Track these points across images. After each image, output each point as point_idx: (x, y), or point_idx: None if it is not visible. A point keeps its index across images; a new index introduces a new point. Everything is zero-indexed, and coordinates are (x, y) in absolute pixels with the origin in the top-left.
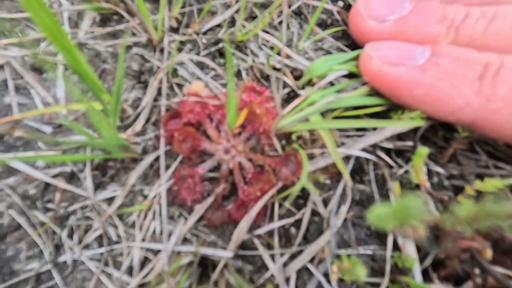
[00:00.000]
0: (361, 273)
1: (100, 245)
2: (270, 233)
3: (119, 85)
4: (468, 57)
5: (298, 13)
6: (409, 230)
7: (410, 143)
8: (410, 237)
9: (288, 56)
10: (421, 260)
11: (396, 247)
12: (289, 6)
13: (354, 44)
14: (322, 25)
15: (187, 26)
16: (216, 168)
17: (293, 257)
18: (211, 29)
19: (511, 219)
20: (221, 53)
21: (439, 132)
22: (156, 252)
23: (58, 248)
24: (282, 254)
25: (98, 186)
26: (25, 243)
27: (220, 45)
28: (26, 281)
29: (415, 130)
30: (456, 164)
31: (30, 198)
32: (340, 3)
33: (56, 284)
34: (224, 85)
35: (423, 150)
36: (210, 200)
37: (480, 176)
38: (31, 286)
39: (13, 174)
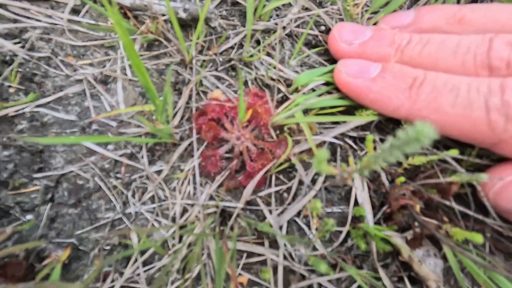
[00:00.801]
0: (318, 205)
1: (153, 202)
2: (269, 196)
3: (167, 93)
4: (404, 73)
5: (290, 35)
6: (339, 172)
7: (368, 133)
8: (342, 181)
9: (281, 70)
10: (374, 215)
11: (356, 205)
12: (283, 29)
13: (332, 59)
14: (309, 44)
15: (208, 49)
16: (231, 150)
17: (284, 212)
18: (225, 50)
19: (385, 161)
20: (233, 68)
21: (390, 125)
22: (191, 206)
23: (125, 204)
24: (276, 209)
25: (150, 162)
26: (103, 200)
27: (232, 62)
28: (105, 225)
29: (372, 122)
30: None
31: (106, 170)
32: (322, 28)
33: (125, 226)
34: (235, 92)
35: (370, 137)
36: (226, 172)
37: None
38: (108, 228)
39: (93, 154)
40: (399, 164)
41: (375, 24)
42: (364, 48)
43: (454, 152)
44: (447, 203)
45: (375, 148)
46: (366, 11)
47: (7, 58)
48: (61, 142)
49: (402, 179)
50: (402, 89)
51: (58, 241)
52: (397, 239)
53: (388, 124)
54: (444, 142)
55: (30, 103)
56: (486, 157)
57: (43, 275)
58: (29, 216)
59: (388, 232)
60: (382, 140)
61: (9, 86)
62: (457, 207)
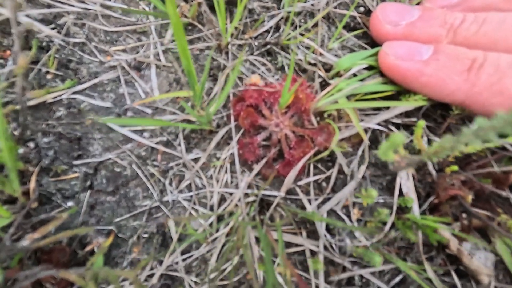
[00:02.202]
0: (373, 194)
1: (190, 190)
2: (307, 185)
3: (205, 77)
4: (460, 54)
5: (326, 17)
6: (400, 160)
7: (414, 119)
8: (402, 166)
9: (321, 54)
10: (420, 205)
11: (401, 195)
12: (319, 11)
13: (372, 42)
14: (347, 27)
15: (243, 33)
16: (268, 138)
17: (324, 202)
18: (260, 34)
19: (455, 149)
20: (268, 53)
21: (438, 111)
22: (229, 195)
23: (162, 192)
24: (316, 199)
25: (186, 150)
26: (141, 188)
27: (268, 46)
28: (143, 213)
29: (419, 109)
30: (449, 134)
31: (142, 157)
32: (361, 9)
33: (163, 214)
34: (272, 76)
35: (421, 122)
36: (264, 160)
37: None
38: (146, 215)
39: (130, 142)
40: None
41: (418, 3)
42: (412, 29)
43: None
44: (503, 193)
45: (422, 136)
46: None
47: (44, 44)
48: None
49: (455, 167)
50: (459, 71)
51: (98, 228)
52: (445, 232)
53: (435, 110)
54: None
55: (67, 89)
56: None
57: (92, 261)
58: (70, 203)
59: (436, 226)
60: (428, 128)
61: (47, 72)
62: None
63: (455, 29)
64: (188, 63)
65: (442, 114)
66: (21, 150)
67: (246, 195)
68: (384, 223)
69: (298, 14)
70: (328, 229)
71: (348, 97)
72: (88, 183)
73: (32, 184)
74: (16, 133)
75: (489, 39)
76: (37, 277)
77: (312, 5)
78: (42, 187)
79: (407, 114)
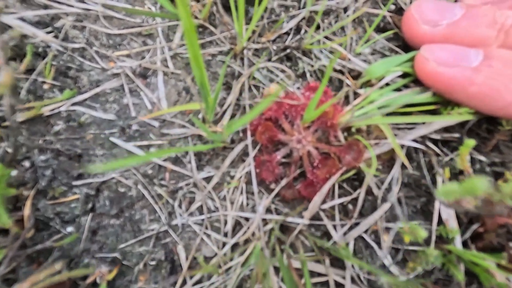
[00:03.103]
0: (422, 234)
1: (201, 213)
2: (332, 209)
3: (218, 90)
4: None
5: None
6: (466, 203)
7: (456, 135)
8: (466, 208)
9: (348, 59)
10: (462, 233)
11: (439, 222)
12: (345, 11)
13: (404, 45)
14: (375, 28)
15: (260, 35)
16: (288, 155)
17: (351, 228)
18: (279, 36)
19: None
20: (288, 58)
21: (483, 125)
22: (244, 220)
23: (171, 214)
24: (342, 225)
25: (197, 168)
26: (147, 210)
27: (288, 51)
28: (150, 237)
29: (461, 123)
30: (498, 153)
31: (149, 176)
32: (392, 7)
33: (171, 240)
34: (294, 84)
35: (470, 142)
36: (284, 180)
37: None
38: (153, 241)
39: None
40: (495, 173)
41: (456, 0)
42: (455, 29)
43: None
44: None
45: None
46: None
47: (40, 50)
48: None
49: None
50: None
51: (101, 256)
52: (490, 263)
53: (479, 125)
54: None
55: (66, 100)
56: None
57: None
58: (69, 228)
59: (481, 256)
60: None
61: (43, 82)
62: None
63: (507, 29)
64: (201, 74)
65: (488, 129)
66: (14, 173)
67: (264, 220)
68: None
69: (323, 14)
70: (355, 254)
71: (380, 109)
72: (90, 205)
73: (27, 211)
74: (9, 151)
75: None
76: None
77: (337, 2)
78: (39, 212)
79: (446, 129)
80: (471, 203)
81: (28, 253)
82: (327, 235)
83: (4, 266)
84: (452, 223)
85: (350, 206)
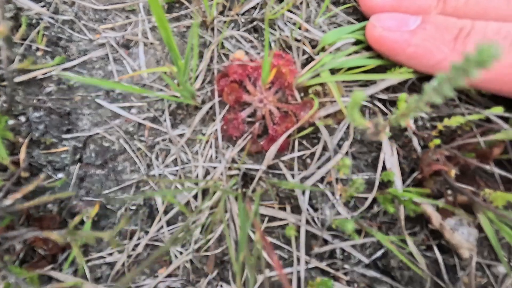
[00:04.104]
0: (347, 163)
1: (176, 164)
2: (291, 161)
3: (188, 52)
4: (448, 24)
5: None
6: (370, 125)
7: (400, 94)
8: (374, 135)
9: (307, 30)
10: (404, 181)
11: (384, 171)
12: None
13: (362, 17)
14: (336, 3)
15: (229, 9)
16: (253, 114)
17: (308, 178)
18: (247, 10)
19: (420, 108)
20: (255, 29)
21: (424, 84)
22: (213, 169)
23: (149, 166)
24: (299, 174)
25: (172, 126)
26: (128, 162)
27: (255, 23)
28: (131, 186)
29: (405, 84)
30: (436, 109)
31: (130, 133)
32: None
33: (150, 188)
34: (258, 54)
35: (403, 95)
36: (248, 136)
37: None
38: (133, 189)
39: (118, 117)
40: (433, 127)
41: None
42: (401, 1)
43: (499, 110)
44: (487, 167)
45: None
46: None
47: (33, 21)
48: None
49: (437, 141)
50: (446, 41)
51: (88, 199)
52: (427, 207)
53: (421, 85)
54: (485, 104)
55: (56, 66)
56: None
57: (74, 223)
58: (60, 175)
59: (418, 199)
60: None
61: (37, 49)
62: (498, 171)
63: None
64: (168, 37)
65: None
66: (11, 122)
67: (229, 169)
68: (365, 199)
69: None
70: (311, 204)
71: (334, 73)
72: (78, 156)
73: (22, 154)
74: (5, 104)
75: (480, 8)
76: (24, 237)
77: None
78: (33, 159)
79: (393, 89)
80: (374, 126)
81: (24, 193)
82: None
83: (2, 194)
84: (394, 170)
85: (308, 160)
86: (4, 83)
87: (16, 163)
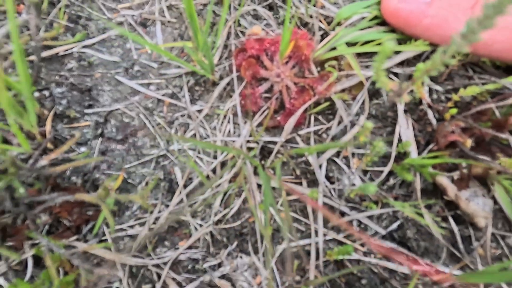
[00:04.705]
0: (369, 125)
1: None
2: (308, 135)
3: (207, 27)
4: None
5: None
6: (393, 87)
7: (415, 68)
8: (398, 94)
9: (322, 6)
10: (419, 153)
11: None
12: None
13: None
14: None
15: None
16: (270, 89)
17: (324, 152)
18: None
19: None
20: (270, 7)
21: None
22: (232, 143)
23: (168, 141)
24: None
25: (190, 101)
26: (148, 138)
27: (270, 0)
28: (151, 161)
29: (420, 57)
30: (450, 81)
31: (149, 109)
32: None
33: (169, 163)
34: (273, 31)
35: (421, 65)
36: (265, 111)
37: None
38: (153, 164)
39: (137, 94)
40: (448, 99)
41: None
42: None
43: None
44: (503, 136)
45: (422, 84)
46: None
47: (54, 0)
48: None
49: (454, 110)
50: (463, 9)
51: (109, 172)
52: (443, 179)
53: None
54: (499, 76)
55: (77, 43)
56: None
57: (103, 187)
58: (83, 149)
59: (433, 171)
60: (429, 77)
61: (58, 25)
62: None
63: None
64: (190, 7)
65: (443, 62)
66: (36, 94)
67: (248, 142)
68: (381, 172)
69: None
70: (328, 177)
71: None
72: (99, 131)
73: (48, 125)
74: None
75: None
76: (56, 201)
77: None
78: (57, 132)
79: (408, 63)
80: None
81: (57, 154)
82: (303, 160)
83: (31, 162)
84: (409, 138)
85: (324, 135)
86: (31, 57)
87: (42, 134)
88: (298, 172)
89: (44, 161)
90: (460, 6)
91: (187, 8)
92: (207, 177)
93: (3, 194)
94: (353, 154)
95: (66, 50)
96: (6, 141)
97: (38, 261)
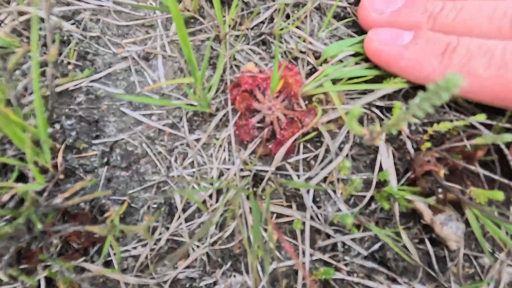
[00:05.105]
0: (347, 164)
1: (193, 166)
2: (297, 163)
3: (205, 65)
4: (437, 39)
5: (318, 8)
6: (366, 133)
7: (395, 102)
8: (370, 141)
9: (310, 43)
10: (398, 180)
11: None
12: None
13: (361, 31)
14: (337, 17)
15: (240, 24)
16: (262, 120)
17: (312, 178)
18: (256, 25)
19: (407, 120)
20: (263, 42)
21: (418, 93)
22: (227, 170)
23: (169, 168)
24: (304, 174)
25: (189, 131)
26: (150, 165)
27: (263, 36)
28: (152, 186)
29: (400, 92)
30: (427, 115)
31: (151, 138)
32: None
33: (169, 188)
34: (267, 65)
35: (398, 104)
36: (258, 140)
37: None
38: (155, 189)
39: (140, 124)
40: (425, 131)
41: None
42: (396, 16)
43: (481, 117)
44: (472, 167)
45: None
46: None
47: (65, 38)
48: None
49: (428, 144)
50: (435, 55)
51: (114, 198)
52: (420, 204)
53: (415, 93)
54: (472, 110)
55: (85, 78)
56: None
57: (110, 219)
58: (90, 176)
59: (411, 197)
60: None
61: (68, 63)
62: (482, 171)
63: (435, 16)
64: (189, 52)
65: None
66: (49, 130)
67: (242, 170)
68: (363, 197)
69: (292, 5)
70: (315, 202)
71: (335, 83)
72: (105, 159)
73: (60, 158)
74: (45, 115)
75: (466, 25)
76: (68, 231)
77: None
78: (67, 162)
79: (389, 97)
80: (369, 133)
81: (61, 191)
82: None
83: (45, 194)
84: (390, 170)
85: (312, 162)
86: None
87: (54, 167)
88: (288, 194)
89: (59, 199)
90: (432, 51)
91: (185, 51)
92: (204, 202)
93: (22, 228)
94: (338, 180)
95: (76, 85)
96: (21, 174)
97: (50, 280)
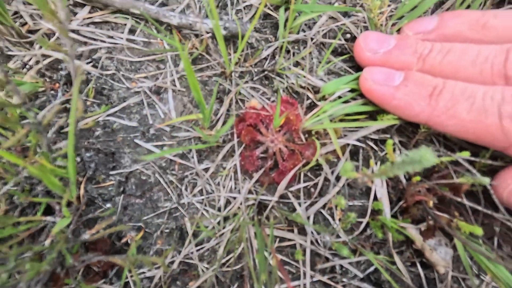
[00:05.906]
0: (343, 203)
1: (202, 194)
2: (298, 191)
3: (212, 103)
4: (425, 81)
5: (317, 44)
6: (360, 176)
7: (389, 136)
8: (363, 183)
9: (309, 79)
10: (392, 208)
11: (376, 200)
12: (311, 40)
13: (357, 66)
14: (335, 52)
15: (244, 61)
16: (265, 151)
17: (311, 205)
18: (259, 61)
19: (393, 173)
20: (266, 77)
21: (409, 128)
22: (233, 198)
23: (179, 196)
24: (305, 202)
25: (198, 161)
26: (162, 193)
27: (265, 72)
28: (164, 212)
29: (393, 126)
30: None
31: (163, 168)
32: (348, 36)
33: (180, 214)
34: (269, 98)
35: (390, 141)
36: (262, 170)
37: None
38: (167, 215)
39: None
40: None
41: (399, 30)
42: (388, 56)
43: (466, 154)
44: (459, 199)
45: (394, 150)
46: (390, 16)
47: (83, 77)
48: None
49: (418, 178)
50: (423, 97)
51: (130, 224)
52: (412, 230)
53: (407, 127)
54: (460, 144)
55: (102, 113)
56: (501, 159)
57: (132, 249)
58: (108, 205)
59: (403, 224)
60: (401, 142)
61: (86, 100)
62: (467, 203)
63: (424, 57)
64: (198, 94)
65: (413, 131)
66: None
67: (247, 199)
68: (360, 223)
69: (293, 42)
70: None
71: (333, 118)
72: (121, 189)
73: (82, 191)
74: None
75: (452, 67)
76: (92, 261)
77: (304, 35)
78: (87, 193)
79: (383, 131)
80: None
81: (83, 220)
82: (295, 211)
83: (72, 227)
84: (383, 200)
85: (312, 190)
86: (64, 130)
87: (77, 198)
88: (290, 219)
89: (87, 235)
90: (420, 94)
91: (194, 90)
92: (212, 228)
93: (56, 261)
94: (336, 207)
95: (94, 120)
96: (48, 207)
97: None
